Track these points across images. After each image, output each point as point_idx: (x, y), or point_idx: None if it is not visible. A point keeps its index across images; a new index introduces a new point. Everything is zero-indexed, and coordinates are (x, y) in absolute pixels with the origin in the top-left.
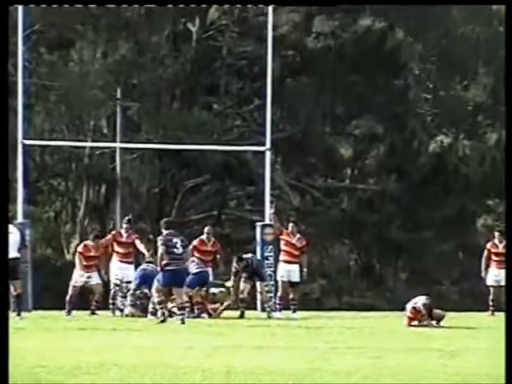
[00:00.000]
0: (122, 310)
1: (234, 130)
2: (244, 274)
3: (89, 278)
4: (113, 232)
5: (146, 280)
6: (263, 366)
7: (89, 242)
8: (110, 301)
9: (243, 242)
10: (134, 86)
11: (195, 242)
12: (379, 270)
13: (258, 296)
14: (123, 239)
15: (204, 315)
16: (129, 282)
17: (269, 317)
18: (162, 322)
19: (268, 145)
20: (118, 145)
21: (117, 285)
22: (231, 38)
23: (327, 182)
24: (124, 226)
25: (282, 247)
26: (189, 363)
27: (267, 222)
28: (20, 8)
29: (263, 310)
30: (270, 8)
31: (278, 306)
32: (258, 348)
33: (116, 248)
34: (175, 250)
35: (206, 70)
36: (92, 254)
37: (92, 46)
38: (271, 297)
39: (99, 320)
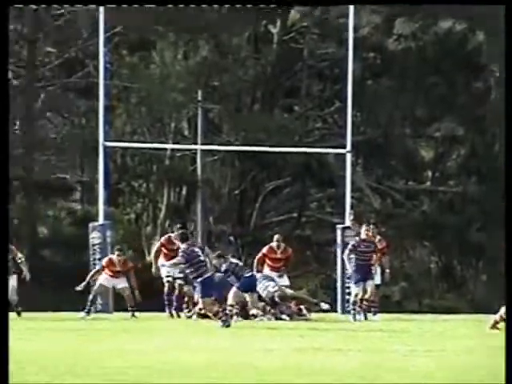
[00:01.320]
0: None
1: (315, 132)
2: None
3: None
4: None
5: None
6: (340, 369)
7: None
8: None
9: (323, 244)
10: (214, 87)
11: (264, 250)
12: (460, 272)
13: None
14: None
15: (284, 317)
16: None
17: (354, 319)
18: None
19: (349, 147)
20: (198, 147)
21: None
22: (312, 40)
23: (408, 184)
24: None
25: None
26: (271, 364)
27: (348, 224)
28: (101, 9)
29: (344, 312)
30: (351, 10)
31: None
32: (337, 350)
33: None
34: (200, 259)
35: (286, 72)
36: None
37: (173, 47)
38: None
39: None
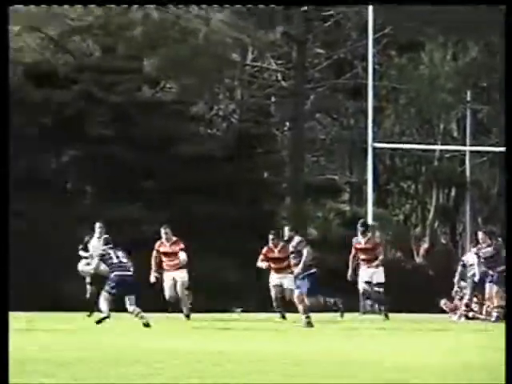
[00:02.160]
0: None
1: None
2: None
3: None
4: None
5: None
6: None
7: None
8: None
9: None
10: (483, 88)
11: None
12: None
13: None
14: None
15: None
16: None
17: None
18: None
19: None
20: (467, 148)
21: None
22: None
23: None
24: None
25: None
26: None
27: None
28: (370, 11)
29: None
30: None
31: None
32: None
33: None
34: None
35: None
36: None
37: (442, 48)
38: None
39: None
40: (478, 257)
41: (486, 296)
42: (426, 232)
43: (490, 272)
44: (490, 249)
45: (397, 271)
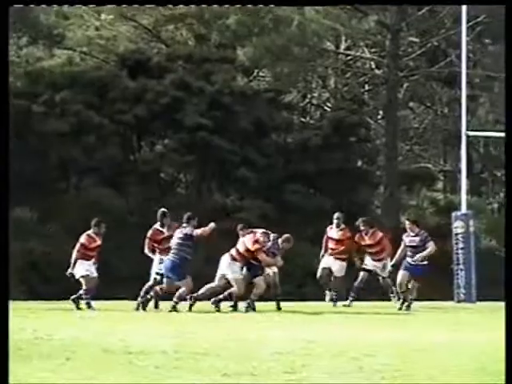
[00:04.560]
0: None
1: None
2: None
3: None
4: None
5: None
6: None
7: None
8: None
9: None
10: None
11: None
12: None
13: None
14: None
15: None
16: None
17: None
18: None
19: None
20: None
21: None
22: None
23: None
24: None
25: None
26: None
27: None
28: None
29: None
30: None
31: None
32: None
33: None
34: None
35: None
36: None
37: None
38: None
39: None
40: (404, 244)
41: (397, 282)
42: None
43: (408, 259)
44: (416, 238)
45: (492, 260)
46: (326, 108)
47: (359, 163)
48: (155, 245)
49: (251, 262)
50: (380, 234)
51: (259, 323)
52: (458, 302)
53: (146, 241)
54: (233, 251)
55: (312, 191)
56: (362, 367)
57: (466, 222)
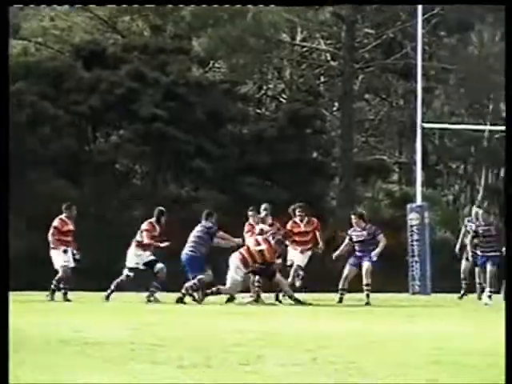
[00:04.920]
0: None
1: None
2: None
3: None
4: None
5: None
6: None
7: None
8: None
9: None
10: None
11: None
12: None
13: None
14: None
15: None
16: None
17: None
18: None
19: None
20: None
21: None
22: None
23: None
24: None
25: None
26: None
27: None
28: None
29: None
30: None
31: None
32: None
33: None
34: None
35: None
36: None
37: (491, 28)
38: None
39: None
40: (350, 239)
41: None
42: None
43: (357, 254)
44: (364, 232)
45: (445, 251)
46: (281, 99)
47: (314, 155)
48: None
49: (260, 268)
50: (316, 222)
51: (217, 315)
52: (413, 293)
53: (144, 232)
54: (243, 251)
55: (267, 183)
56: (316, 359)
57: (420, 213)
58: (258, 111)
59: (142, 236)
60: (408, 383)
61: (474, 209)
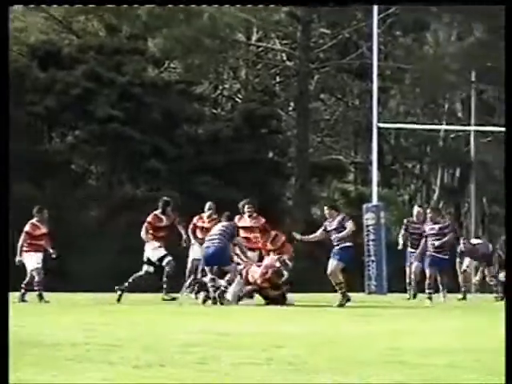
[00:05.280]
0: None
1: None
2: None
3: None
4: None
5: None
6: None
7: None
8: None
9: None
10: (489, 68)
11: None
12: None
13: None
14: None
15: None
16: None
17: None
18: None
19: None
20: (472, 128)
21: None
22: None
23: None
24: None
25: None
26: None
27: None
28: None
29: None
30: None
31: None
32: None
33: None
34: None
35: None
36: None
37: (447, 28)
38: None
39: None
40: (325, 229)
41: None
42: None
43: (335, 248)
44: (334, 222)
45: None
46: (237, 99)
47: (270, 155)
48: (151, 231)
49: None
50: (263, 220)
51: (172, 315)
52: (369, 293)
53: (145, 225)
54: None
55: (223, 183)
56: (271, 359)
57: (376, 213)
58: (214, 111)
59: (146, 228)
60: (363, 382)
61: (416, 208)
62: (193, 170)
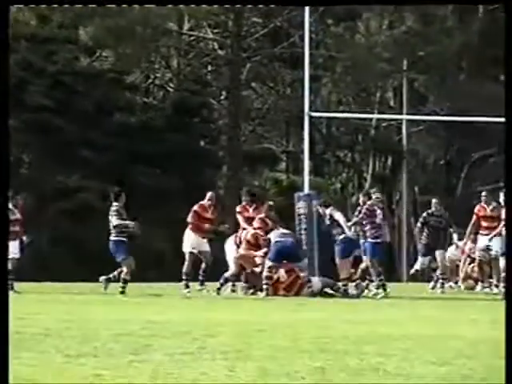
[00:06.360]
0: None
1: None
2: None
3: None
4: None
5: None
6: None
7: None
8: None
9: None
10: (420, 57)
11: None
12: None
13: None
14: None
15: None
16: None
17: None
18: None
19: None
20: (404, 117)
21: None
22: None
23: None
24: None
25: None
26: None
27: None
28: None
29: None
30: None
31: None
32: None
33: None
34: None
35: (493, 41)
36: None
37: (378, 17)
38: None
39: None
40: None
41: None
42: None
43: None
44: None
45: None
46: (168, 88)
47: (202, 144)
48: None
49: None
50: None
51: (103, 305)
52: None
53: (238, 216)
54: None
55: (155, 172)
56: (204, 347)
57: (308, 202)
58: (146, 100)
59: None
60: (296, 369)
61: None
62: (125, 159)
